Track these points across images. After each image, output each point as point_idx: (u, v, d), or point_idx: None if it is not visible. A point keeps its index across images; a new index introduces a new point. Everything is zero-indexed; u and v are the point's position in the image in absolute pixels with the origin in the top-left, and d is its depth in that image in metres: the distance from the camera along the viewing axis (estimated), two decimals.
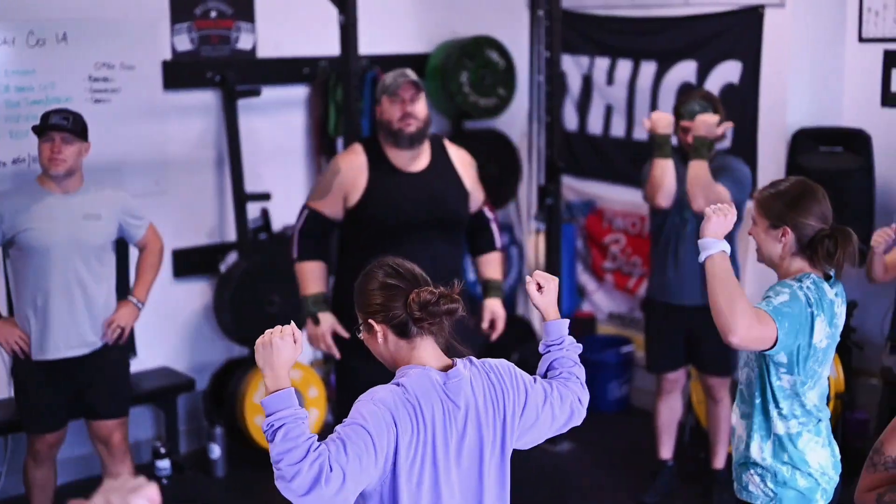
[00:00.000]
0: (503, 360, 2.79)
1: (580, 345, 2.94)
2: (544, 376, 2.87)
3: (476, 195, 4.79)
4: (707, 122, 4.86)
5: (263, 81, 5.88)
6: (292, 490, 2.34)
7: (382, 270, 2.66)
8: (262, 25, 5.92)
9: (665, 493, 5.42)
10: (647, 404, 6.16)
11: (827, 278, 3.30)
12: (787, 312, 3.14)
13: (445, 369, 2.63)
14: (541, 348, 2.90)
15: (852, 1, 5.81)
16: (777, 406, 3.28)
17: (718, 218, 3.18)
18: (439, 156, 4.66)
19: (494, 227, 4.91)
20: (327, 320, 4.55)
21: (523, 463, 5.68)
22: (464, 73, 6.29)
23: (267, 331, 2.50)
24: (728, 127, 5.03)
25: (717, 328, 3.14)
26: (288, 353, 2.46)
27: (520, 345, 6.44)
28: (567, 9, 6.44)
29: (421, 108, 4.48)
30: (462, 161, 4.75)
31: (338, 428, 2.46)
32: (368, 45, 5.73)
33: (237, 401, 5.76)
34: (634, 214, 6.65)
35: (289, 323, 2.55)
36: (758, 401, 3.32)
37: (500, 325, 4.85)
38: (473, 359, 2.72)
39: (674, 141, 5.16)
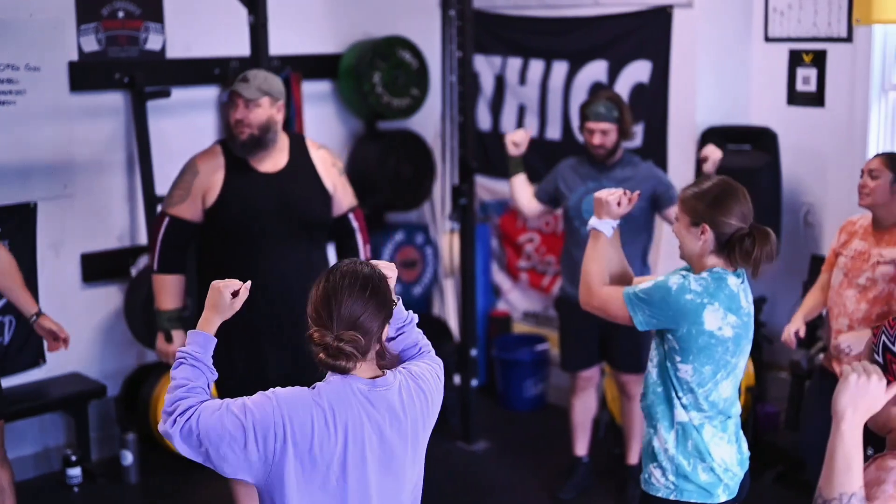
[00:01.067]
0: (432, 364, 2.83)
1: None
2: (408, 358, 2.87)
3: (341, 198, 4.64)
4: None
5: (173, 82, 5.81)
6: (164, 421, 2.55)
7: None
8: (172, 26, 5.85)
9: (581, 488, 5.47)
10: (562, 401, 6.21)
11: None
12: (644, 299, 3.32)
13: (376, 377, 2.64)
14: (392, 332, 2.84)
15: (758, 1, 5.91)
16: (679, 396, 3.34)
17: (604, 198, 3.45)
18: (299, 156, 4.53)
19: (360, 237, 4.74)
20: (179, 339, 4.49)
21: (439, 462, 5.72)
22: (376, 74, 6.27)
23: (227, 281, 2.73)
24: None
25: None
26: (223, 300, 2.70)
27: (436, 345, 6.42)
28: (479, 9, 6.46)
29: (257, 115, 4.34)
30: (324, 162, 4.60)
31: (227, 401, 2.55)
32: (280, 45, 5.69)
33: (150, 406, 5.67)
34: (547, 213, 6.68)
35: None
36: (660, 389, 3.39)
37: None
38: (408, 366, 2.74)
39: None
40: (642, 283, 3.38)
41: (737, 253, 3.29)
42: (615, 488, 5.50)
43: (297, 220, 4.45)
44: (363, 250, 4.75)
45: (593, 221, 3.47)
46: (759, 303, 5.89)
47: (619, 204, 3.44)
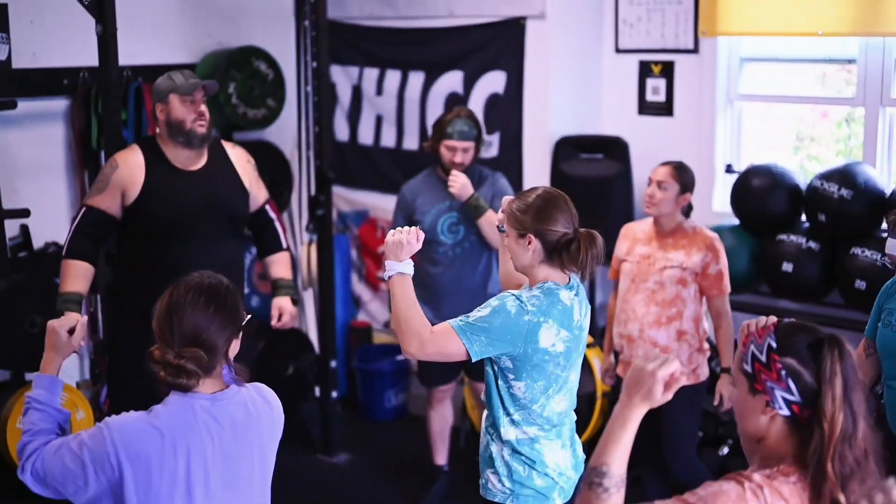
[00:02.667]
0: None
1: None
2: None
3: (256, 193, 4.82)
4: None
5: (20, 94, 5.63)
6: (19, 469, 2.61)
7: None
8: (17, 35, 5.66)
9: (442, 497, 5.49)
10: (424, 411, 6.21)
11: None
12: (484, 327, 3.25)
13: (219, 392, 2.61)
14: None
15: (608, 13, 6.04)
16: (508, 412, 3.38)
17: (396, 240, 3.32)
18: (217, 155, 4.69)
19: (278, 226, 4.93)
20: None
21: (299, 476, 5.68)
22: (231, 84, 6.20)
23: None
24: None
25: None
26: (60, 340, 2.74)
27: (296, 357, 6.39)
28: (334, 19, 6.45)
29: (206, 109, 4.54)
30: (240, 159, 4.78)
31: (67, 438, 2.57)
32: (131, 55, 5.57)
33: (2, 428, 5.49)
34: None
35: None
36: (495, 404, 3.42)
37: (286, 319, 4.85)
38: (259, 385, 2.73)
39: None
40: (473, 312, 3.32)
41: (564, 258, 3.35)
42: (477, 496, 5.51)
43: (221, 215, 4.59)
44: (283, 238, 4.94)
45: (396, 266, 3.32)
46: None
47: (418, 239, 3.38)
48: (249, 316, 2.73)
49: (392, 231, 3.38)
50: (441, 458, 5.52)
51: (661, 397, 2.22)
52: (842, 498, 2.14)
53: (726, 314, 4.66)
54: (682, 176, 4.63)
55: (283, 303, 4.86)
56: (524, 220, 3.36)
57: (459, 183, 5.05)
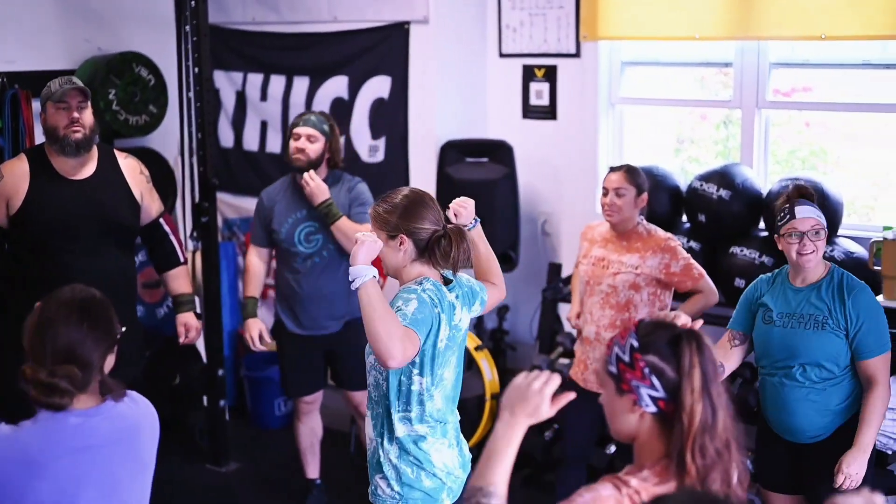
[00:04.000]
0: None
1: None
2: None
3: (149, 205, 4.72)
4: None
5: None
6: None
7: None
8: None
9: None
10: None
11: (446, 283, 3.44)
12: (421, 319, 3.27)
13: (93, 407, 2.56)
14: None
15: (492, 18, 6.09)
16: (405, 409, 3.39)
17: (368, 245, 3.23)
18: (107, 164, 4.58)
19: (174, 239, 4.83)
20: None
21: (187, 486, 5.60)
22: (112, 91, 6.09)
23: None
24: None
25: (376, 354, 3.17)
26: None
27: (183, 366, 6.29)
28: (216, 24, 6.38)
29: (88, 115, 4.42)
30: (132, 170, 4.67)
31: None
32: (8, 62, 5.45)
33: None
34: None
35: None
36: (386, 403, 3.42)
37: (193, 335, 4.84)
38: (131, 393, 2.67)
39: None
40: (407, 310, 3.28)
41: (437, 255, 3.37)
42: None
43: (106, 225, 4.50)
44: (181, 252, 4.86)
45: (368, 272, 3.17)
46: (501, 311, 6.06)
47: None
48: (124, 329, 2.67)
49: (360, 235, 3.25)
50: (313, 471, 5.40)
51: (546, 413, 2.25)
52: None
53: (712, 292, 4.66)
54: (635, 178, 4.63)
55: (187, 319, 4.83)
56: (393, 220, 3.37)
57: (314, 184, 4.86)
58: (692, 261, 4.65)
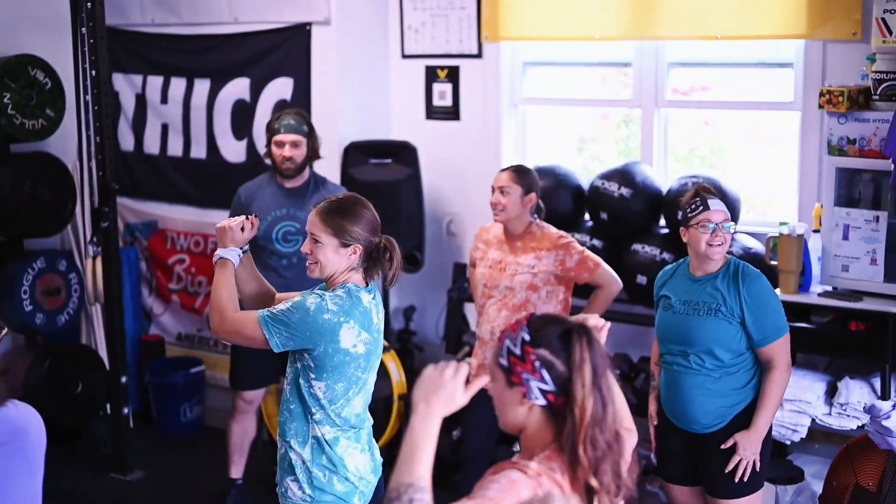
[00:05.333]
0: None
1: None
2: None
3: None
4: None
5: None
6: None
7: None
8: None
9: None
10: (220, 423, 6.12)
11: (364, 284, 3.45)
12: (283, 320, 3.32)
13: None
14: None
15: (394, 19, 6.09)
16: (314, 411, 3.39)
17: (220, 227, 3.50)
18: None
19: None
20: None
21: (90, 495, 5.52)
22: (6, 94, 5.96)
23: None
24: None
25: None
26: None
27: (85, 374, 6.19)
28: (114, 26, 6.28)
29: None
30: None
31: None
32: None
33: None
34: (197, 234, 6.60)
35: None
36: (294, 406, 3.42)
37: None
38: (13, 400, 2.64)
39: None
40: (279, 305, 3.38)
41: (377, 264, 3.38)
42: None
43: None
44: None
45: (220, 252, 3.48)
46: (408, 312, 6.06)
47: (242, 229, 3.49)
48: (6, 331, 2.65)
49: (232, 219, 3.51)
50: (237, 471, 5.40)
51: (462, 400, 2.25)
52: (593, 481, 2.23)
53: (610, 280, 4.68)
54: (523, 178, 4.67)
55: None
56: (354, 231, 3.37)
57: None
58: (587, 252, 4.70)
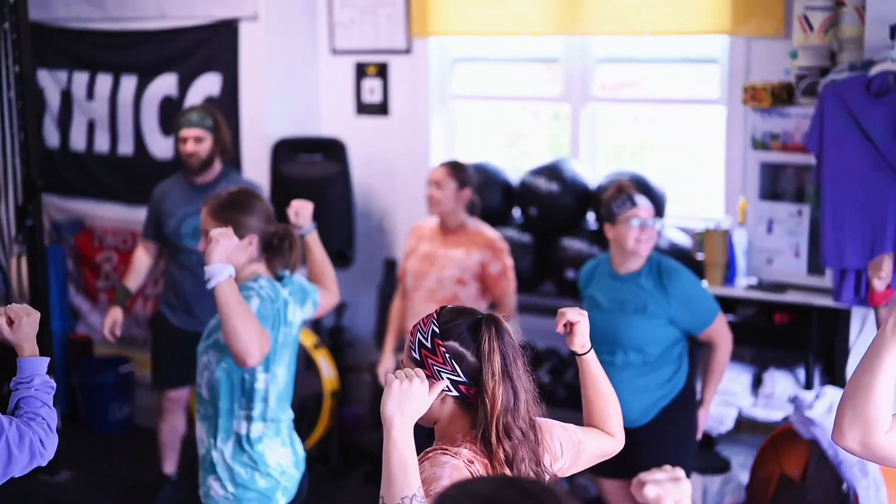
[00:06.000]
0: None
1: (54, 385, 2.76)
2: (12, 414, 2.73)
3: None
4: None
5: None
6: None
7: None
8: None
9: None
10: (150, 422, 6.06)
11: (278, 279, 3.44)
12: (266, 315, 3.29)
13: None
14: (11, 384, 2.73)
15: (322, 14, 6.06)
16: (248, 407, 3.37)
17: (223, 243, 3.20)
18: None
19: None
20: None
21: (19, 497, 5.43)
22: None
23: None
24: None
25: (235, 353, 3.17)
26: None
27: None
28: (38, 21, 6.18)
29: None
30: None
31: None
32: None
33: None
34: (125, 231, 6.53)
35: None
36: (211, 404, 3.39)
37: None
38: None
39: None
40: (251, 307, 3.28)
41: (277, 254, 3.40)
42: None
43: None
44: None
45: (216, 273, 3.14)
46: (339, 308, 6.04)
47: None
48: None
49: (214, 232, 3.20)
50: (170, 466, 5.38)
51: (427, 405, 2.22)
52: (507, 471, 2.26)
53: (509, 309, 4.69)
54: (458, 173, 4.70)
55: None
56: (245, 221, 3.35)
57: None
58: (511, 273, 4.73)
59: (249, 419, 3.38)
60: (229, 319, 3.12)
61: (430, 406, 2.26)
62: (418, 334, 2.34)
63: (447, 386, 2.29)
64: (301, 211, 3.70)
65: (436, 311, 2.36)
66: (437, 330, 2.32)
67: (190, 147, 5.04)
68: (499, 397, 2.26)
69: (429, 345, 2.31)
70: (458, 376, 2.29)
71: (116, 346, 6.67)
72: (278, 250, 3.39)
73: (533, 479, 2.25)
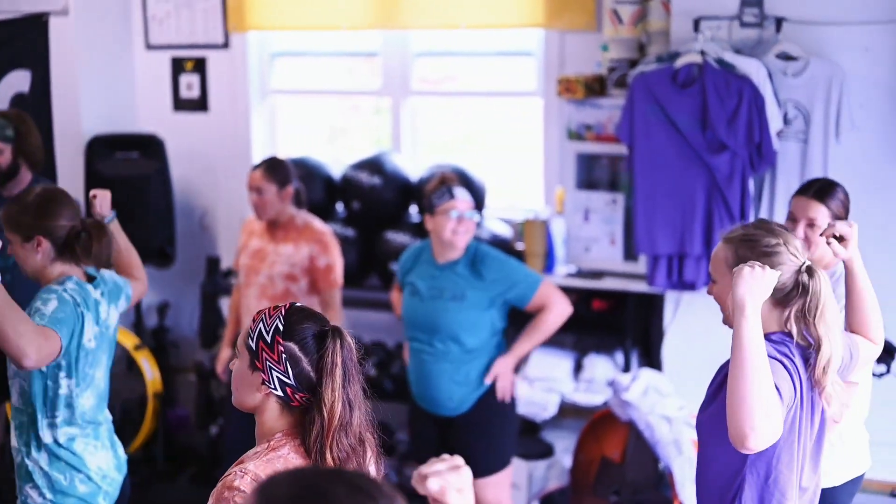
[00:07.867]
0: None
1: None
2: None
3: None
4: None
5: None
6: None
7: None
8: None
9: None
10: None
11: (90, 279, 3.36)
12: (62, 318, 3.17)
13: None
14: None
15: (136, 8, 5.93)
16: (51, 414, 3.28)
17: None
18: None
19: None
20: None
21: None
22: None
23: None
24: None
25: (9, 355, 3.06)
26: None
27: None
28: None
29: None
30: None
31: None
32: None
33: None
34: None
35: None
36: (31, 410, 3.30)
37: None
38: None
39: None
40: (46, 309, 3.17)
41: (78, 251, 3.30)
42: None
43: None
44: None
45: None
46: (162, 308, 5.94)
47: None
48: None
49: None
50: None
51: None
52: None
53: (334, 306, 4.64)
54: (276, 173, 4.58)
55: None
56: (27, 221, 3.27)
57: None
58: (337, 269, 4.69)
59: (53, 426, 3.28)
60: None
61: (251, 396, 2.27)
62: (261, 324, 2.30)
63: (273, 384, 2.28)
64: (101, 200, 3.59)
65: (285, 305, 2.32)
66: (280, 327, 2.28)
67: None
68: (336, 412, 2.25)
69: (268, 339, 2.28)
70: (288, 379, 2.27)
71: None
72: (79, 248, 3.29)
73: (360, 472, 2.26)
